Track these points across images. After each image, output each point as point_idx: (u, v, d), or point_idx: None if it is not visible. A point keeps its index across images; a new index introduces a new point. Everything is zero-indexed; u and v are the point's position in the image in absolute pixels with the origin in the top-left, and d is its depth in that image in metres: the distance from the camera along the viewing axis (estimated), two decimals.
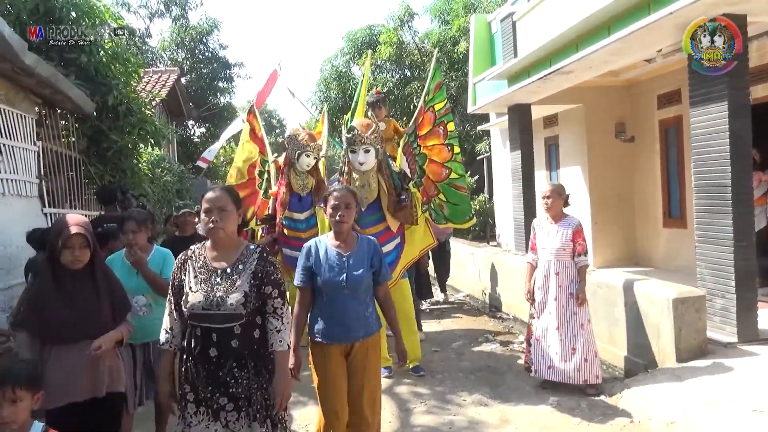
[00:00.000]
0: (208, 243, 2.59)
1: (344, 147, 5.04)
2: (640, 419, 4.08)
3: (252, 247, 2.58)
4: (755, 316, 5.00)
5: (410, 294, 5.71)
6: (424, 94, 5.79)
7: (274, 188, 7.23)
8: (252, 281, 2.48)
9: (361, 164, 4.96)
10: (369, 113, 5.89)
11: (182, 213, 5.48)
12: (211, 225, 2.46)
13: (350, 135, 4.96)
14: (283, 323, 2.53)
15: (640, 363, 5.28)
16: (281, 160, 7.34)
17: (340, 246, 3.12)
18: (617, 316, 5.76)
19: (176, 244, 4.27)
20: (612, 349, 5.93)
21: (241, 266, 2.51)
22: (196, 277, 2.52)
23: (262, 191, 7.05)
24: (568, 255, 4.74)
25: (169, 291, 2.63)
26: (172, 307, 2.60)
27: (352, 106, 6.37)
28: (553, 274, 4.79)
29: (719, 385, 4.15)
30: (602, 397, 4.60)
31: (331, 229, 3.21)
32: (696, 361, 4.65)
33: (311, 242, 3.16)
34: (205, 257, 2.57)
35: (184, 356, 2.55)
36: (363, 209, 5.11)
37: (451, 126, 5.75)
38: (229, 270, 2.50)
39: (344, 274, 3.03)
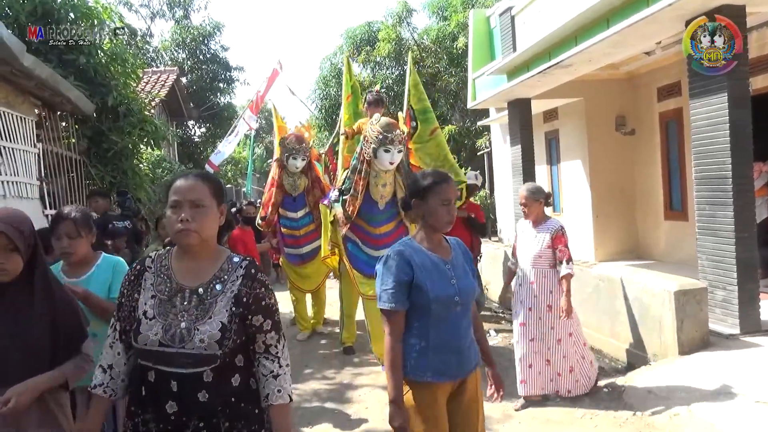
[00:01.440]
0: (175, 250, 1.87)
1: (373, 146, 5.01)
2: (643, 412, 4.08)
3: (236, 259, 1.86)
4: (757, 307, 4.99)
5: None
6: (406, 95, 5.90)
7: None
8: (233, 308, 1.76)
9: (392, 164, 5.03)
10: (367, 110, 5.88)
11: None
12: (179, 226, 1.73)
13: (390, 135, 4.96)
14: (281, 366, 1.83)
15: (642, 356, 5.28)
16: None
17: (437, 250, 2.34)
18: (619, 310, 5.76)
19: None
20: (614, 342, 5.93)
21: (219, 286, 1.79)
22: (154, 297, 1.78)
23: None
24: (545, 262, 4.35)
25: (114, 313, 1.89)
26: (116, 337, 1.86)
27: (347, 107, 6.33)
28: (528, 283, 4.43)
29: (722, 376, 4.15)
30: (605, 390, 4.60)
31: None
32: (698, 354, 4.65)
33: (398, 249, 2.28)
34: (169, 270, 1.83)
35: (132, 409, 1.82)
36: (381, 207, 5.19)
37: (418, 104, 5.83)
38: (201, 291, 1.77)
39: (455, 286, 2.28)
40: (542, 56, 7.49)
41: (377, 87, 6.81)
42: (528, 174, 8.71)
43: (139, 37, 19.57)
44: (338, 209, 5.38)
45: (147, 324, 1.73)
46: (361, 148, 5.10)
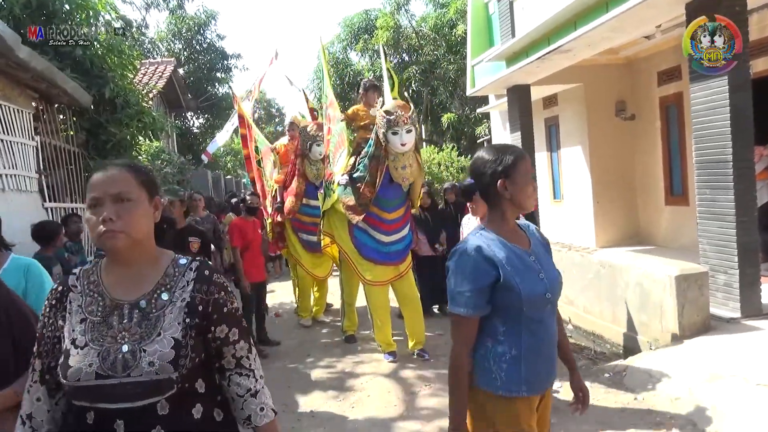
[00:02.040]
0: (104, 261, 1.52)
1: (383, 131, 4.98)
2: (644, 396, 4.09)
3: (183, 261, 1.53)
4: (758, 291, 5.00)
5: (413, 278, 5.78)
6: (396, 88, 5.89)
7: (275, 176, 7.32)
8: (187, 320, 1.43)
9: (404, 145, 4.94)
10: (362, 97, 5.84)
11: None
12: (102, 228, 1.39)
13: (392, 117, 4.92)
14: (257, 380, 1.55)
15: (643, 340, 5.30)
16: (280, 147, 7.49)
17: (515, 239, 1.95)
18: (620, 295, 5.77)
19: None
20: (615, 327, 5.95)
21: (165, 295, 1.45)
22: (84, 321, 1.42)
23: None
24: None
25: (34, 349, 1.48)
26: (36, 378, 1.46)
27: (325, 93, 6.40)
28: None
29: (723, 360, 4.16)
30: (606, 375, 4.62)
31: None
32: (699, 338, 4.67)
33: (475, 243, 1.87)
34: (100, 286, 1.47)
35: None
36: (405, 189, 5.21)
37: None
38: (144, 304, 1.43)
39: (544, 281, 1.90)
40: (541, 42, 7.44)
41: (373, 74, 6.81)
42: None
43: (134, 29, 19.45)
44: (348, 197, 5.34)
45: (78, 354, 1.36)
46: (376, 135, 5.08)
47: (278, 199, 7.23)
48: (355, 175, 5.33)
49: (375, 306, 5.53)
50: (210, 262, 1.55)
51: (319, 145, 6.56)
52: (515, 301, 1.83)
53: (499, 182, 1.89)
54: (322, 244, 6.16)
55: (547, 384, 1.95)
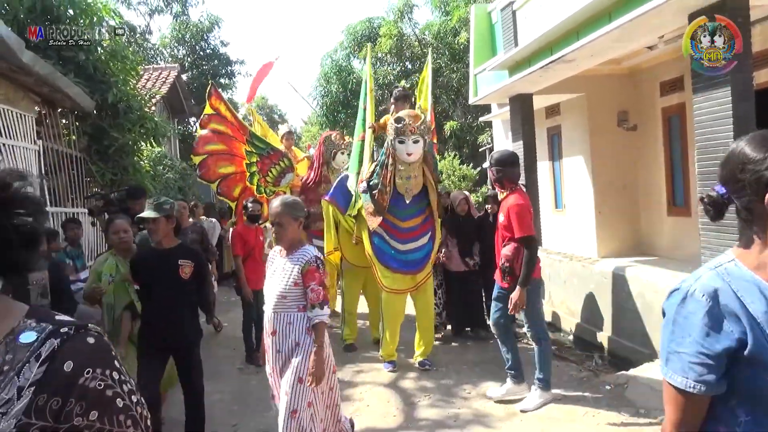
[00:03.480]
0: None
1: (391, 138, 4.97)
2: (645, 409, 4.06)
3: (31, 336, 0.89)
4: None
5: (433, 288, 5.75)
6: (429, 99, 5.81)
7: (285, 181, 7.17)
8: (31, 413, 0.84)
9: (410, 155, 4.94)
10: (393, 106, 5.83)
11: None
12: None
13: (400, 125, 4.90)
14: None
15: (645, 352, 5.26)
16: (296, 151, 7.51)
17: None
18: (622, 306, 5.74)
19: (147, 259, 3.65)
20: (617, 338, 5.91)
21: None
22: None
23: (254, 188, 7.09)
24: (292, 304, 3.11)
25: None
26: None
27: (364, 105, 6.23)
28: (269, 334, 3.18)
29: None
30: (607, 388, 4.58)
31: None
32: None
33: (711, 284, 1.23)
34: None
35: None
36: (408, 201, 5.16)
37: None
38: None
39: None
40: (544, 51, 7.44)
41: (402, 83, 6.79)
42: (530, 170, 8.67)
43: (138, 35, 19.54)
44: (367, 203, 5.33)
45: None
46: (387, 143, 5.07)
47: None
48: (371, 182, 5.32)
49: (389, 314, 5.44)
50: (96, 332, 0.94)
51: (343, 153, 6.71)
52: (751, 384, 1.17)
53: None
54: (325, 251, 6.11)
55: None
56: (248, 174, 7.04)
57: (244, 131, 7.07)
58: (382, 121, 5.84)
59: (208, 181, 7.07)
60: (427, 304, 5.50)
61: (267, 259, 3.35)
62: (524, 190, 4.52)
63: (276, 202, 3.22)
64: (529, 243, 4.15)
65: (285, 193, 7.10)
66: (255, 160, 7.03)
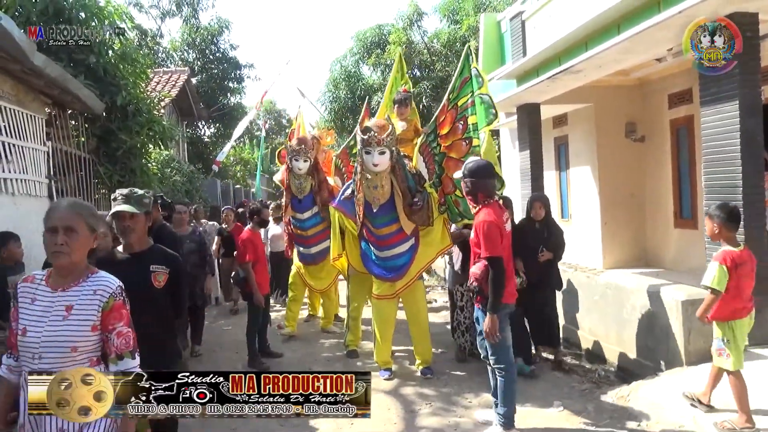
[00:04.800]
0: None
1: (358, 148, 4.99)
2: (648, 422, 4.03)
3: None
4: None
5: (424, 296, 5.75)
6: (449, 92, 5.63)
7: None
8: None
9: (375, 165, 4.91)
10: (395, 109, 5.87)
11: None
12: None
13: (366, 136, 4.91)
14: None
15: (649, 365, 5.23)
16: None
17: None
18: (626, 318, 5.71)
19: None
20: (621, 350, 5.88)
21: None
22: None
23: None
24: (83, 358, 2.11)
25: None
26: None
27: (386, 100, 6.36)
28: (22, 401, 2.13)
29: (730, 389, 4.09)
30: (610, 400, 4.56)
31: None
32: (706, 364, 4.59)
33: None
34: None
35: None
36: (375, 210, 5.15)
37: (473, 119, 5.24)
38: None
39: None
40: (552, 61, 7.45)
41: (405, 86, 6.68)
42: (536, 180, 8.67)
43: (149, 38, 19.70)
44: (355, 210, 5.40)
45: None
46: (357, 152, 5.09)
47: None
48: (347, 190, 5.38)
49: (377, 319, 5.52)
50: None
51: (297, 160, 6.66)
52: None
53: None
54: (331, 257, 6.16)
55: None
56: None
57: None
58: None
59: None
60: (417, 313, 5.49)
61: (20, 290, 2.17)
62: (502, 203, 4.19)
63: (65, 202, 2.27)
64: (493, 263, 3.78)
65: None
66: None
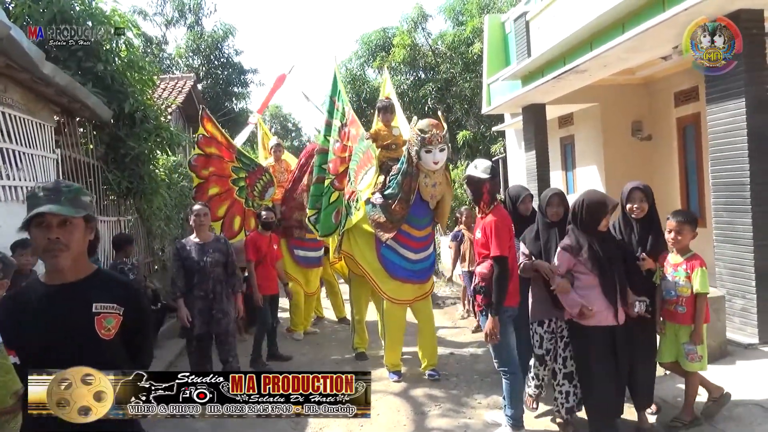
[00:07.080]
0: None
1: (415, 149, 5.00)
2: (659, 423, 4.01)
3: None
4: None
5: (431, 300, 5.80)
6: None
7: (268, 196, 7.48)
8: None
9: (436, 163, 4.99)
10: (379, 117, 5.88)
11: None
12: None
13: (426, 135, 4.94)
14: None
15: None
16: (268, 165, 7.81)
17: None
18: None
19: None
20: None
21: None
22: None
23: (243, 201, 7.53)
24: None
25: None
26: None
27: (343, 111, 6.42)
28: None
29: (740, 387, 4.07)
30: None
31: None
32: (716, 363, 4.57)
33: None
34: None
35: None
36: (432, 207, 5.22)
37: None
38: None
39: None
40: (557, 61, 7.45)
41: (386, 94, 6.77)
42: (543, 180, 8.66)
43: (154, 45, 19.83)
44: (378, 214, 5.30)
45: None
46: (409, 153, 5.09)
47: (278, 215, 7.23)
48: (386, 193, 5.33)
49: (391, 325, 5.47)
50: None
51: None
52: None
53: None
54: (330, 260, 6.22)
55: None
56: (237, 189, 7.49)
57: (233, 150, 7.67)
58: (373, 131, 5.86)
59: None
60: (429, 315, 5.55)
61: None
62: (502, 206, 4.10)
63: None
64: (499, 263, 3.70)
65: (270, 205, 7.26)
66: (243, 175, 7.52)
